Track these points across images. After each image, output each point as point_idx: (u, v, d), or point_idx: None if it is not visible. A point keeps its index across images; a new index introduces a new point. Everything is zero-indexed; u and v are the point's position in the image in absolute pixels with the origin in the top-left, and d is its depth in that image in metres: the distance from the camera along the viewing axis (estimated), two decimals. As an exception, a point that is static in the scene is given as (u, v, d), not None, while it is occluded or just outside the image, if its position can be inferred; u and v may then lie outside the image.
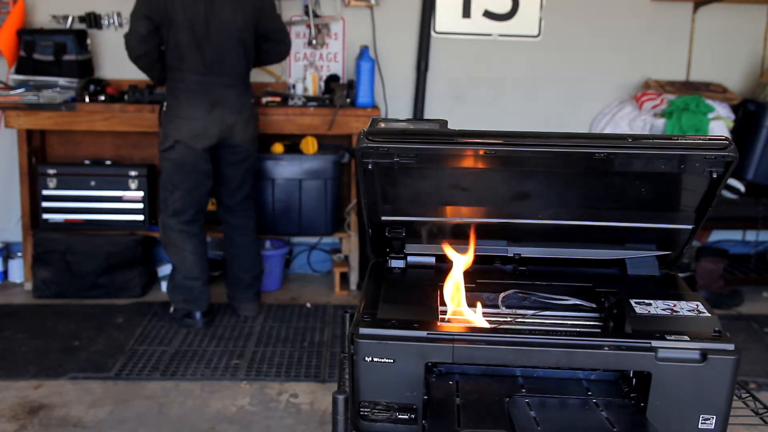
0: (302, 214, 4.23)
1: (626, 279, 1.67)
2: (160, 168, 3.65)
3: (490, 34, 4.53)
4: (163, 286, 4.22)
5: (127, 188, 4.15)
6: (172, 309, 3.76)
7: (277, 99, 4.17)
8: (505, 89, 4.62)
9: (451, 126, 1.46)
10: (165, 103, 3.60)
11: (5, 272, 4.37)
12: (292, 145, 4.22)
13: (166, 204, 3.65)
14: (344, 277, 4.34)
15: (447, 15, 4.49)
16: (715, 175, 1.44)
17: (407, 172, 1.50)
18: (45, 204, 4.14)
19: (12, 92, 3.99)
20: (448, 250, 1.63)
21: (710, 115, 4.23)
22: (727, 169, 1.42)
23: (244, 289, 3.87)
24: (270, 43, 3.68)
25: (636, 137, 1.40)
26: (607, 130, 4.43)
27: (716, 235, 4.79)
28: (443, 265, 1.66)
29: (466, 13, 4.49)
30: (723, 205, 4.33)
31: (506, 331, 1.51)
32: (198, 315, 3.71)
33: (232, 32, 3.49)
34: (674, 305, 1.50)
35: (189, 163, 3.54)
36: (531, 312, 1.64)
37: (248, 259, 3.86)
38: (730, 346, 1.34)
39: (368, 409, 1.37)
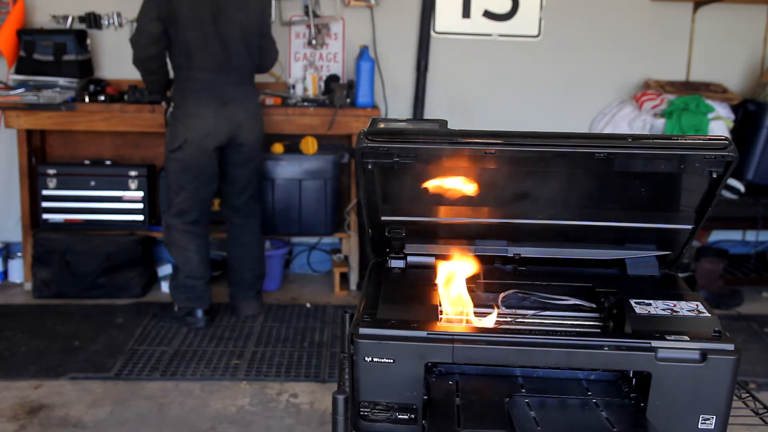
0: (302, 214, 4.23)
1: (626, 279, 1.67)
2: (166, 168, 3.62)
3: (490, 34, 4.53)
4: (163, 286, 4.22)
5: (127, 188, 4.15)
6: (176, 308, 3.75)
7: (278, 100, 4.17)
8: (505, 89, 4.62)
9: (451, 126, 1.46)
10: (172, 104, 3.60)
11: (5, 272, 4.37)
12: (292, 145, 4.22)
13: (170, 204, 3.63)
14: (344, 277, 4.34)
15: (447, 15, 4.49)
16: (715, 175, 1.44)
17: (407, 172, 1.50)
18: (45, 204, 4.14)
19: (12, 92, 3.98)
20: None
21: (710, 115, 4.23)
22: (727, 169, 1.42)
23: (246, 288, 3.87)
24: (262, 48, 3.68)
25: (636, 137, 1.40)
26: (607, 130, 4.43)
27: (716, 235, 4.78)
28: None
29: (466, 13, 4.49)
30: (723, 205, 4.33)
31: (506, 331, 1.51)
32: (200, 313, 3.71)
33: (238, 31, 3.50)
34: (674, 305, 1.50)
35: (197, 163, 3.53)
36: (531, 312, 1.64)
37: (252, 259, 3.86)
38: (730, 346, 1.34)
39: (368, 409, 1.37)
